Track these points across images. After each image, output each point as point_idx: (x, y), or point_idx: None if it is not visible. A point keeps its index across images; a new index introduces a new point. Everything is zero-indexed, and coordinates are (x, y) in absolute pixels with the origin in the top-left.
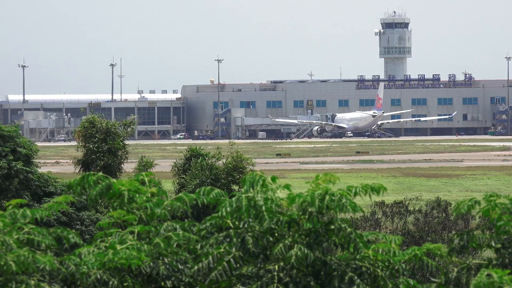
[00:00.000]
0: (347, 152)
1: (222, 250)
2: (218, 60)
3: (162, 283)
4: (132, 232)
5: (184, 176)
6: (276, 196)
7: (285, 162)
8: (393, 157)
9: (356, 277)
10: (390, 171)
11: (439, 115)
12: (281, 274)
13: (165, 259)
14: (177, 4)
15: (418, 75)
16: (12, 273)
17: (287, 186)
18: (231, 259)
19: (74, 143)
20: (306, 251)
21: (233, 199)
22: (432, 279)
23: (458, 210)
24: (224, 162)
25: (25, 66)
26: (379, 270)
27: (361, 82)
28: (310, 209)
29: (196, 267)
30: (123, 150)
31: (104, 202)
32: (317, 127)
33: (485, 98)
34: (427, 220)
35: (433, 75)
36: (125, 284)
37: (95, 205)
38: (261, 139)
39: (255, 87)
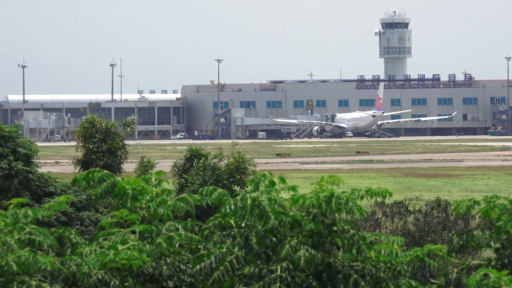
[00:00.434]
0: (347, 152)
1: (224, 250)
2: (218, 60)
3: (164, 284)
4: (133, 232)
5: (185, 176)
6: (280, 196)
7: (285, 162)
8: (393, 157)
9: (360, 279)
10: (390, 171)
11: (439, 115)
12: (284, 275)
13: (167, 259)
14: (177, 4)
15: (418, 75)
16: (13, 273)
17: (293, 188)
18: (234, 259)
19: (73, 143)
20: (313, 252)
21: (237, 197)
22: (432, 280)
23: (457, 210)
24: (226, 163)
25: (25, 66)
26: (381, 272)
27: (361, 82)
28: (315, 211)
29: (198, 267)
30: (122, 150)
31: (104, 202)
32: (317, 127)
33: (485, 98)
34: (427, 220)
35: (433, 75)
36: (126, 284)
37: (102, 201)
38: (261, 139)
39: (255, 87)
